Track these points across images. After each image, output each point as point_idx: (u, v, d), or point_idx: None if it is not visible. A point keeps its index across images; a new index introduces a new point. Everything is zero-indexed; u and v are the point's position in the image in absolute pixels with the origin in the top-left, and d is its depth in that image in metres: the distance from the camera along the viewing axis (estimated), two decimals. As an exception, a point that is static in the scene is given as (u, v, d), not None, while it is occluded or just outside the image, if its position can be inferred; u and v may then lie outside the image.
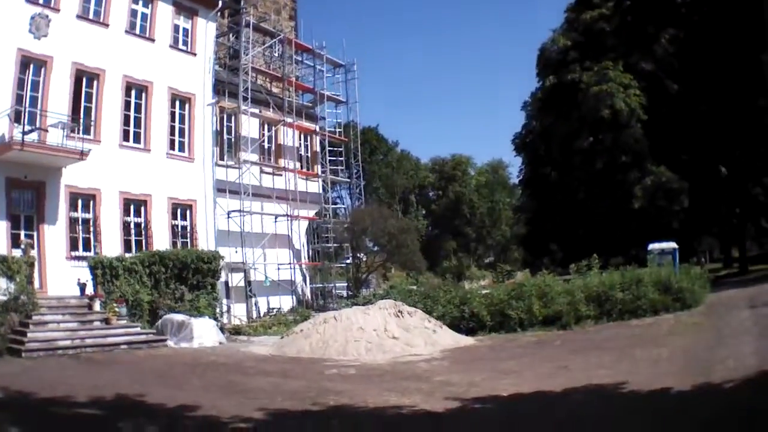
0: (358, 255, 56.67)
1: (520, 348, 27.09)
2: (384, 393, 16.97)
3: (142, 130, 36.10)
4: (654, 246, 48.74)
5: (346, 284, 55.64)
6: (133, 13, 36.41)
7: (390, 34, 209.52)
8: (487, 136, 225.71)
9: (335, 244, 54.99)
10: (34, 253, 29.27)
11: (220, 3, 41.52)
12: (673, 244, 49.02)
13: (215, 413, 13.72)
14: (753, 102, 59.23)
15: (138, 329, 28.81)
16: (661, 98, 62.52)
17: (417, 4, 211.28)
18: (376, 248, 58.45)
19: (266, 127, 47.13)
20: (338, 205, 67.36)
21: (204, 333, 29.36)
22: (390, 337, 27.05)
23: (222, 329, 32.77)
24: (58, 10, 32.38)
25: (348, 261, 58.04)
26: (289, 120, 47.67)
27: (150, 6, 37.19)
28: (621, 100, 60.55)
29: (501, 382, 18.28)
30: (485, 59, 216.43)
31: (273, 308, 43.12)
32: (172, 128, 37.99)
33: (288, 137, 48.77)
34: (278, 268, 44.92)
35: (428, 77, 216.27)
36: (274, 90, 51.14)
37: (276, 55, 52.18)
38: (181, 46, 39.01)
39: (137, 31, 36.57)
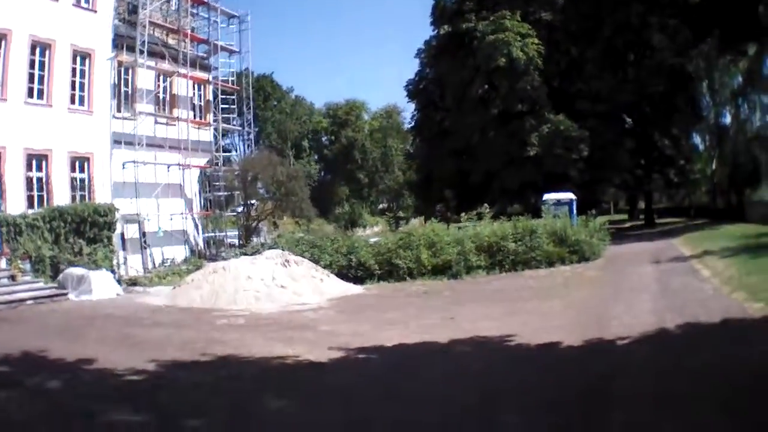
0: (250, 203, 58.45)
1: (407, 298, 28.20)
2: (270, 343, 18.13)
3: (45, 87, 36.93)
4: (549, 196, 49.51)
5: (237, 233, 56.94)
6: None
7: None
8: (383, 82, 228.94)
9: (226, 193, 56.37)
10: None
11: None
12: (569, 195, 50.34)
13: (110, 366, 14.88)
14: (653, 51, 62.08)
15: (41, 284, 30.40)
16: (561, 46, 64.71)
17: None
18: (267, 195, 60.37)
19: (161, 78, 48.25)
20: (230, 153, 68.22)
21: (102, 285, 30.81)
22: (278, 287, 28.45)
23: (119, 281, 34.29)
24: (-27, -31, 33.26)
25: (239, 209, 59.63)
26: (183, 71, 48.94)
27: None
28: (518, 48, 61.81)
29: (386, 333, 19.29)
30: (381, 5, 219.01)
31: (167, 259, 44.54)
32: (73, 83, 38.80)
33: (182, 87, 49.98)
34: (171, 218, 46.39)
35: (324, 23, 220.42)
36: (170, 42, 51.87)
37: (173, 8, 52.85)
38: (83, 4, 39.61)
39: None
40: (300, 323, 22.14)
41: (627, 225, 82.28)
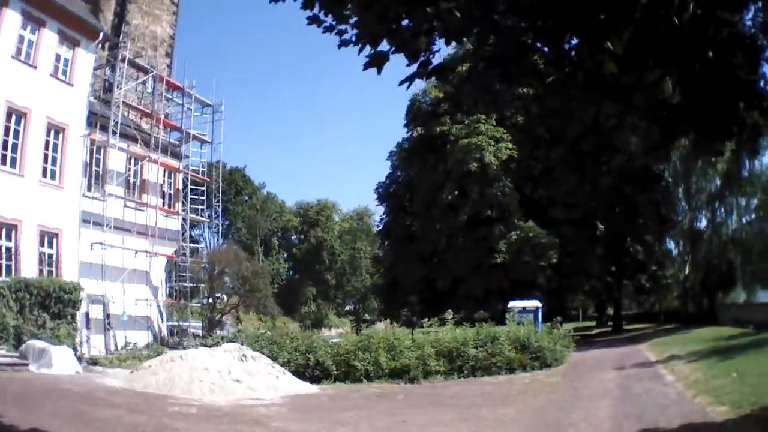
0: (217, 296, 58.59)
1: (362, 399, 28.01)
2: None
3: (18, 156, 37.26)
4: (514, 304, 49.43)
5: (201, 324, 56.78)
6: (20, 39, 37.72)
7: (264, 78, 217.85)
8: (356, 183, 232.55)
9: (192, 284, 56.23)
10: None
11: (101, 35, 43.29)
12: (535, 303, 50.44)
13: None
14: (625, 156, 62.44)
15: (3, 352, 30.43)
16: (534, 152, 64.60)
17: (290, 51, 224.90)
18: (233, 290, 60.64)
19: (132, 161, 48.80)
20: (198, 245, 68.17)
21: (63, 361, 30.59)
22: (233, 380, 28.39)
23: (80, 359, 34.21)
24: (-47, 32, 33.95)
25: (205, 301, 59.50)
26: (154, 156, 49.67)
27: (37, 33, 38.50)
28: (491, 153, 62.24)
29: None
30: (358, 109, 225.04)
31: (129, 342, 44.40)
32: (46, 156, 39.20)
33: (152, 173, 50.61)
34: (136, 303, 46.53)
35: (300, 123, 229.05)
36: (144, 126, 52.96)
37: (148, 91, 54.07)
38: (60, 75, 40.24)
39: (22, 58, 37.81)
40: (251, 418, 22.10)
41: (594, 332, 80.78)
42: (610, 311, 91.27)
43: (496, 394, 27.95)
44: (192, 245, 59.70)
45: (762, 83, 10.68)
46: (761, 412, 17.21)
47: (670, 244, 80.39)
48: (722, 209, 69.91)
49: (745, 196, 66.22)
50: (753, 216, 66.34)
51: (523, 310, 48.46)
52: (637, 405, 21.63)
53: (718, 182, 68.87)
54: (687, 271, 75.17)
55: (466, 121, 66.00)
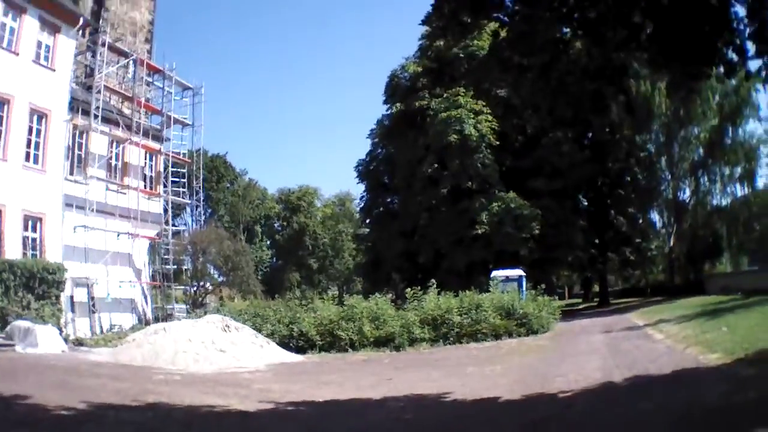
0: (201, 282, 59.05)
1: (347, 365, 29.09)
2: (202, 396, 18.64)
3: (2, 141, 37.49)
4: (497, 273, 50.87)
5: (185, 307, 56.80)
6: (2, 26, 37.95)
7: (245, 65, 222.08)
8: (339, 169, 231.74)
9: (174, 266, 56.65)
10: None
11: (81, 21, 43.24)
12: (518, 272, 51.78)
13: (43, 402, 15.31)
14: (615, 131, 62.69)
15: None
16: (516, 125, 65.39)
17: (268, 38, 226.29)
18: (216, 273, 61.09)
19: (114, 144, 48.78)
20: (179, 227, 68.37)
21: (48, 340, 30.89)
22: (217, 350, 29.31)
23: (66, 340, 34.35)
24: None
25: (188, 286, 59.80)
26: (135, 139, 49.72)
27: (18, 20, 38.65)
28: (471, 125, 62.60)
29: (320, 391, 19.90)
30: (338, 92, 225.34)
31: (115, 325, 44.52)
32: (29, 141, 39.41)
33: (134, 156, 50.55)
34: (120, 286, 46.80)
35: (281, 108, 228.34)
36: (125, 110, 52.86)
37: (129, 75, 54.04)
38: (42, 61, 40.41)
39: (4, 45, 38.00)
40: (235, 382, 22.75)
41: (581, 306, 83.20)
42: (596, 289, 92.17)
43: (482, 356, 29.32)
44: (174, 228, 59.65)
45: (735, 23, 11.17)
46: (755, 356, 17.90)
47: (654, 216, 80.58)
48: (706, 178, 70.79)
49: (728, 164, 66.91)
50: (737, 185, 67.31)
51: (507, 279, 49.57)
52: (627, 358, 22.72)
53: (701, 151, 69.64)
54: (672, 243, 75.89)
55: (445, 95, 66.24)
